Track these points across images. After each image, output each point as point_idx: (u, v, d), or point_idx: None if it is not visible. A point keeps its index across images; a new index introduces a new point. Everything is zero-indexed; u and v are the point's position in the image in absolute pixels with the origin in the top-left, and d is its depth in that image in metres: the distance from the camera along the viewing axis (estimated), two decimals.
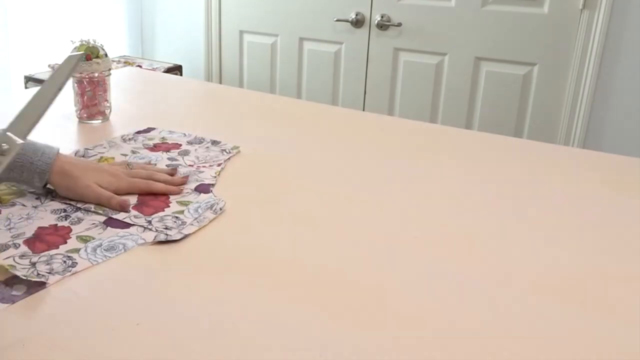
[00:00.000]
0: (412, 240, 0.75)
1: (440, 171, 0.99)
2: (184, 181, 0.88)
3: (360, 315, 0.59)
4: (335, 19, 2.51)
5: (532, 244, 0.76)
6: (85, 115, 1.16)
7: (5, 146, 0.58)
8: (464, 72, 2.32)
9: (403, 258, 0.70)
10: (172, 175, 0.89)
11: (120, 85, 1.44)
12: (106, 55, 1.15)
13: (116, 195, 0.80)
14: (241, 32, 2.82)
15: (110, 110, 1.19)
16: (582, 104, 2.12)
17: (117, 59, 2.89)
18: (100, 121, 1.17)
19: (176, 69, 2.87)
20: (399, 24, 2.39)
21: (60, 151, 0.82)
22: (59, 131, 1.10)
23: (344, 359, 0.53)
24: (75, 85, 1.14)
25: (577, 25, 2.08)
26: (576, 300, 0.64)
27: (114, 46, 2.98)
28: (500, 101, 2.28)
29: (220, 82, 2.92)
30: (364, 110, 2.51)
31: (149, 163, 0.95)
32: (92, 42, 1.14)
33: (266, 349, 0.54)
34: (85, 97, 1.15)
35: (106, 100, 1.17)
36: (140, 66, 2.75)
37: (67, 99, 1.24)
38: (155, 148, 1.03)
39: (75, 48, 1.12)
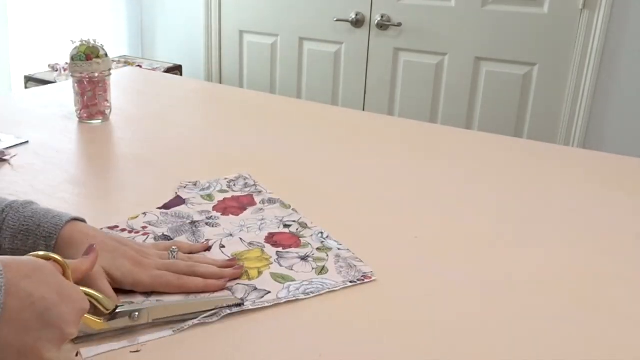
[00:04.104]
0: (413, 240, 0.75)
1: (439, 171, 0.99)
2: (238, 274, 0.65)
3: (360, 316, 0.59)
4: (335, 19, 2.51)
5: (532, 244, 0.76)
6: (85, 115, 1.16)
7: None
8: (464, 72, 2.32)
9: (403, 258, 0.70)
10: (227, 267, 0.66)
11: (120, 85, 1.44)
12: (106, 55, 1.15)
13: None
14: (241, 32, 2.82)
15: (110, 110, 1.19)
16: (582, 104, 2.12)
17: (117, 59, 2.89)
18: (100, 121, 1.17)
19: (176, 69, 2.87)
20: (399, 24, 2.39)
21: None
22: (59, 131, 1.10)
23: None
24: (76, 85, 1.14)
25: (577, 25, 2.08)
26: (575, 299, 0.64)
27: (114, 46, 2.98)
28: (500, 101, 2.28)
29: (220, 82, 2.92)
30: (364, 110, 2.51)
31: (206, 242, 0.72)
32: (92, 42, 1.14)
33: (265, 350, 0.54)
34: (85, 97, 1.15)
35: (106, 100, 1.17)
36: (140, 66, 2.75)
37: (67, 99, 1.24)
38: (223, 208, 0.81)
39: (75, 48, 1.12)
